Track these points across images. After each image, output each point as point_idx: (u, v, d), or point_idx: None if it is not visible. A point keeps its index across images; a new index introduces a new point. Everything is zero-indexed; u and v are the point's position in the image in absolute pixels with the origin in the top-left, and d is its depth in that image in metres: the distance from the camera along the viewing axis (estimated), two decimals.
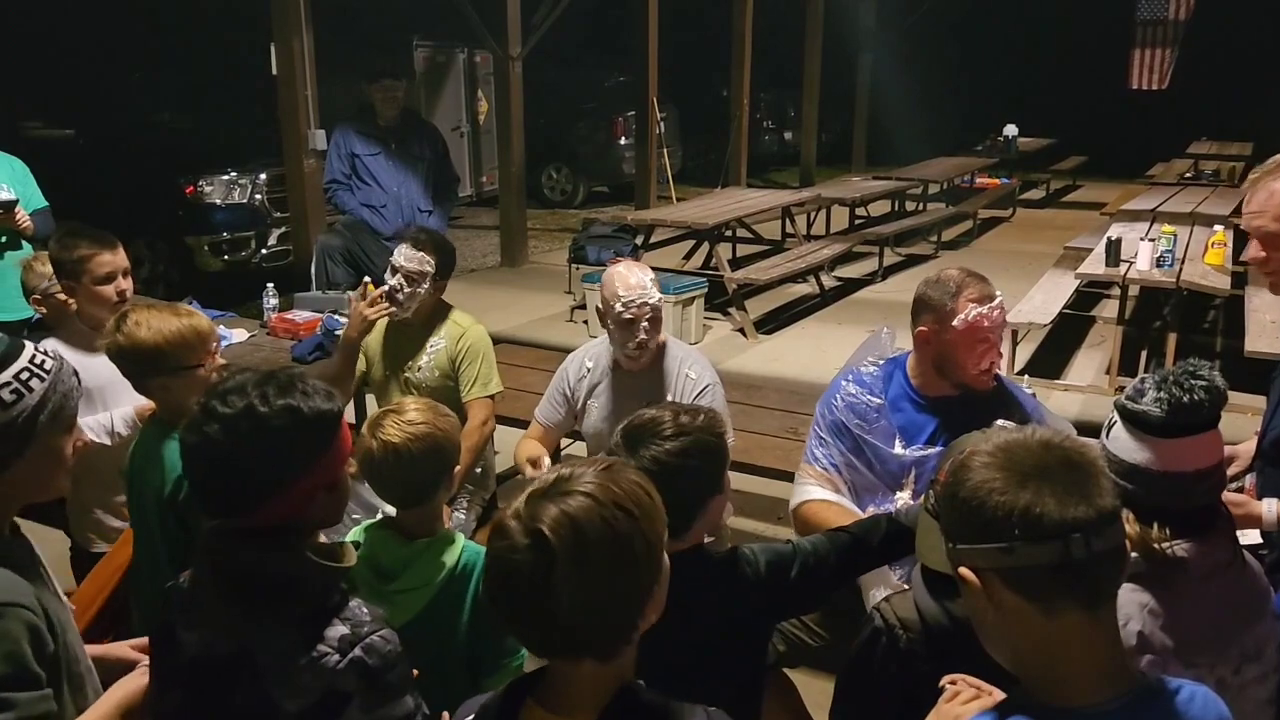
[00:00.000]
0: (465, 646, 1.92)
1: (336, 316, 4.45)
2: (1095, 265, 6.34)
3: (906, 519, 1.89)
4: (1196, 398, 1.49)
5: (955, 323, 2.32)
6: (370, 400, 3.72)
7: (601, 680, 1.19)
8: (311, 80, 7.13)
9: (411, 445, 1.93)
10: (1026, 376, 4.79)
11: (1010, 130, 13.49)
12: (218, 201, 7.93)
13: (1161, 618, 1.47)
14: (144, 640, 1.76)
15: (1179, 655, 1.46)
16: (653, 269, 3.01)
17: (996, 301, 2.36)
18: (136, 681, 1.61)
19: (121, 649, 1.77)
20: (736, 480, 3.70)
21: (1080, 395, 5.95)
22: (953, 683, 1.40)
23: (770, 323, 7.74)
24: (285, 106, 7.17)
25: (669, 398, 2.85)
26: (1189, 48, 12.48)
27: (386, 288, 3.20)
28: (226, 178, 7.98)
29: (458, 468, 2.08)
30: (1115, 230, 6.76)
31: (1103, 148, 14.66)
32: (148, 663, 1.66)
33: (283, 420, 1.43)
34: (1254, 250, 2.10)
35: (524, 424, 3.36)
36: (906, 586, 1.81)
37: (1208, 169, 10.53)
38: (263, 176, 8.08)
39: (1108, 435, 1.58)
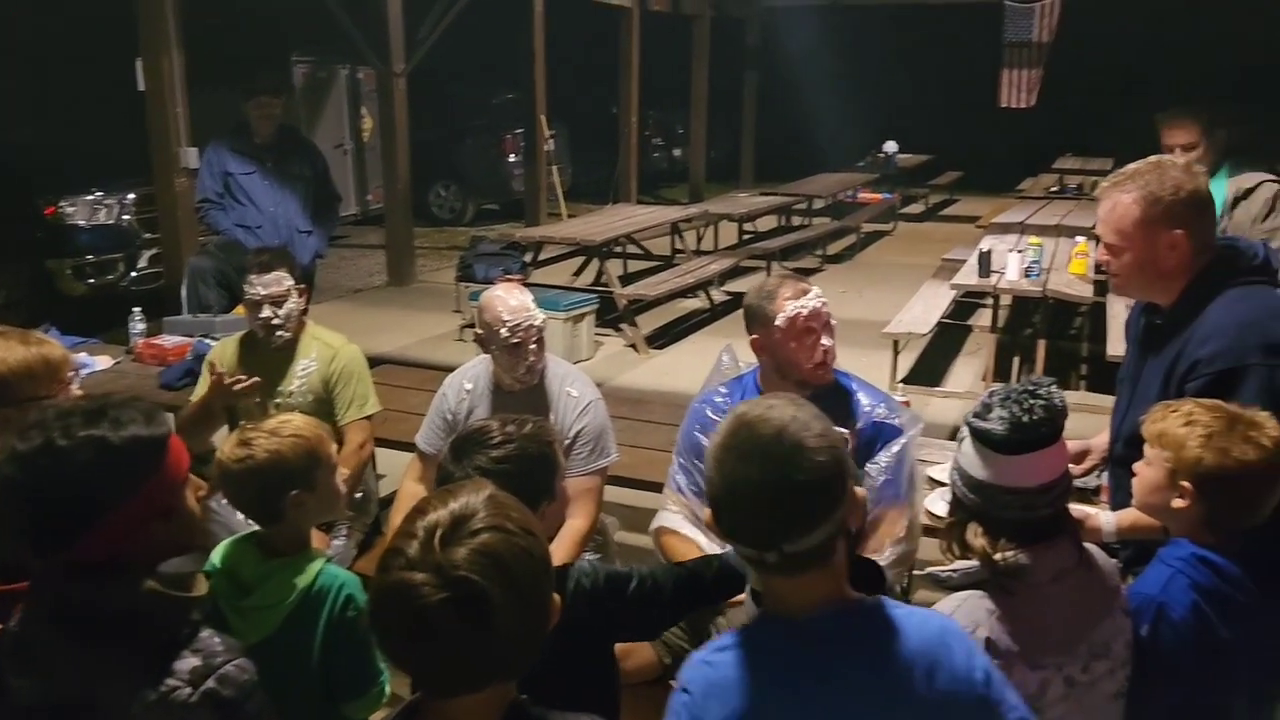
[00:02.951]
0: (318, 670, 1.88)
1: (208, 340, 4.27)
2: (969, 276, 6.56)
3: (737, 561, 1.91)
4: (1036, 416, 1.55)
5: (778, 322, 2.41)
6: None
7: (493, 699, 1.18)
8: (183, 96, 6.86)
9: (260, 458, 1.89)
10: (901, 385, 4.92)
11: (890, 147, 13.95)
12: (81, 222, 7.57)
13: (1007, 623, 1.52)
14: None
15: (1025, 657, 1.50)
16: (543, 286, 2.99)
17: (812, 294, 2.45)
18: None
19: None
20: (624, 495, 3.74)
21: (959, 401, 6.15)
22: None
23: (662, 337, 7.77)
24: (154, 124, 6.87)
25: (551, 417, 2.82)
26: (1053, 68, 13.12)
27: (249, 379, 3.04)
28: (91, 197, 7.64)
29: (338, 492, 2.02)
30: (987, 243, 7.00)
31: (978, 163, 15.28)
32: None
33: (86, 453, 1.36)
34: (1099, 254, 2.26)
35: (407, 446, 3.26)
36: None
37: (1071, 183, 11.06)
38: (131, 196, 7.75)
39: (959, 450, 1.63)
